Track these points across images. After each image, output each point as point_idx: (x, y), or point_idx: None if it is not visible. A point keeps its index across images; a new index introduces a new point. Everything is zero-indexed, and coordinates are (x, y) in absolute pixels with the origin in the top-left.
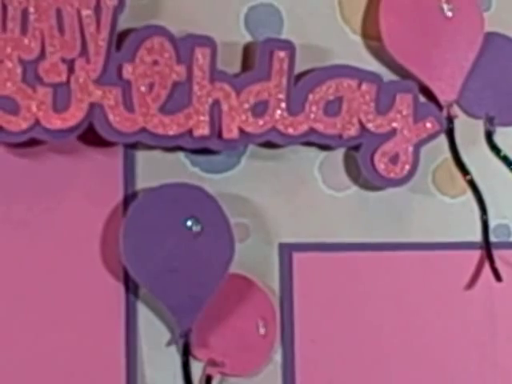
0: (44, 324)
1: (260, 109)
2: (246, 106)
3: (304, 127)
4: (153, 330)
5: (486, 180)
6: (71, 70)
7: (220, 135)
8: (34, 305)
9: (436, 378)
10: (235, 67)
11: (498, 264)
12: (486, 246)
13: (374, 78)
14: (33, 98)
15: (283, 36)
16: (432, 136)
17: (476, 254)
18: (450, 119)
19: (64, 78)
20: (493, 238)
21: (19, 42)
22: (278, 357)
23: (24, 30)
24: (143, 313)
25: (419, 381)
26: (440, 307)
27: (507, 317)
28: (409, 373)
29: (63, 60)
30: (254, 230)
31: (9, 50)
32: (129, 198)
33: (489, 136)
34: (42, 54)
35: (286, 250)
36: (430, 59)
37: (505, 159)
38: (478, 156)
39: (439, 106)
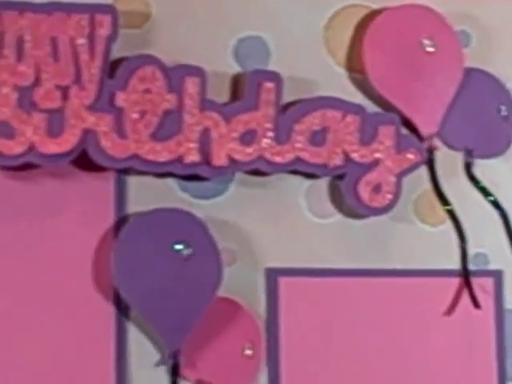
0: (36, 344)
1: (248, 137)
2: (235, 134)
3: (290, 156)
4: (142, 351)
5: (465, 210)
6: (65, 97)
7: (209, 162)
8: (26, 325)
9: None
10: (224, 97)
11: (476, 291)
12: (465, 274)
13: (358, 109)
14: (28, 123)
15: (271, 68)
16: (413, 167)
17: (455, 282)
18: (431, 151)
19: (58, 104)
20: (471, 266)
21: (15, 69)
22: (263, 378)
23: (20, 57)
24: (133, 334)
25: None
26: (420, 332)
27: (484, 343)
28: None
29: (58, 87)
30: (241, 255)
31: (5, 76)
32: (120, 222)
33: (468, 167)
34: (37, 81)
35: (272, 275)
36: (411, 93)
37: (483, 190)
38: (457, 186)
39: (420, 138)
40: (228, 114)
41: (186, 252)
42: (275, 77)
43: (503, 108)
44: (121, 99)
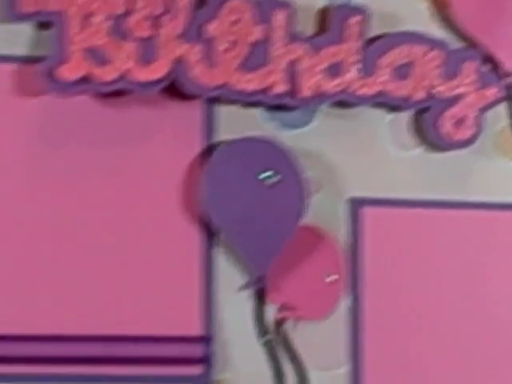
0: (125, 266)
1: (334, 70)
2: (321, 66)
3: (375, 89)
4: (229, 275)
5: None
6: (157, 26)
7: (296, 93)
8: (116, 247)
9: (491, 331)
10: (310, 30)
11: None
12: None
13: (442, 45)
14: (121, 51)
15: (357, 2)
16: (495, 102)
17: None
18: None
19: (150, 33)
20: None
21: None
22: (345, 304)
23: None
24: (220, 259)
25: (475, 331)
26: (495, 265)
27: None
28: (467, 322)
29: (149, 16)
30: (325, 185)
31: (98, 4)
32: (208, 150)
33: None
34: (130, 10)
35: (355, 204)
36: (495, 30)
37: None
38: None
39: (502, 75)
40: (315, 47)
41: (273, 180)
42: (362, 11)
43: None
44: (211, 29)
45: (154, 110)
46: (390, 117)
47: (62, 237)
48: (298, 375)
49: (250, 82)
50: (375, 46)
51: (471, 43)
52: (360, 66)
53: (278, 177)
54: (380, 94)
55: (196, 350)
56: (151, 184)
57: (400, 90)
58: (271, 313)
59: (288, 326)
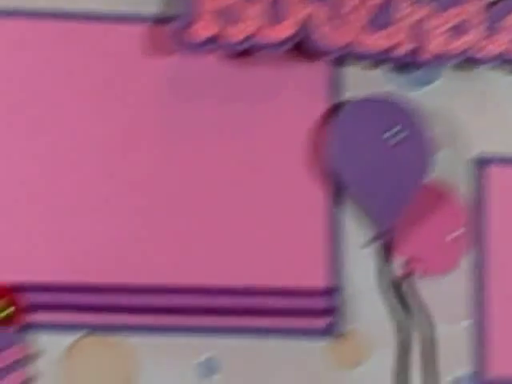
0: (253, 221)
1: (458, 30)
2: (446, 26)
3: (498, 49)
4: (354, 231)
5: None
6: None
7: (421, 53)
8: (244, 202)
9: None
10: None
11: None
12: None
13: None
14: (250, 11)
15: None
16: None
17: None
18: None
19: None
20: None
21: None
22: (470, 259)
23: None
24: (346, 213)
25: None
26: None
27: None
28: None
29: None
30: (450, 143)
31: None
32: (333, 109)
33: None
34: None
35: (480, 163)
36: None
37: None
38: None
39: None
40: (440, 7)
41: (397, 138)
42: None
43: None
44: None
45: (281, 70)
46: None
47: (193, 190)
48: (425, 327)
49: (375, 42)
50: (498, 6)
51: None
52: (484, 26)
53: (401, 137)
54: (503, 53)
55: (322, 303)
56: (277, 141)
57: None
58: (397, 266)
59: (414, 279)
